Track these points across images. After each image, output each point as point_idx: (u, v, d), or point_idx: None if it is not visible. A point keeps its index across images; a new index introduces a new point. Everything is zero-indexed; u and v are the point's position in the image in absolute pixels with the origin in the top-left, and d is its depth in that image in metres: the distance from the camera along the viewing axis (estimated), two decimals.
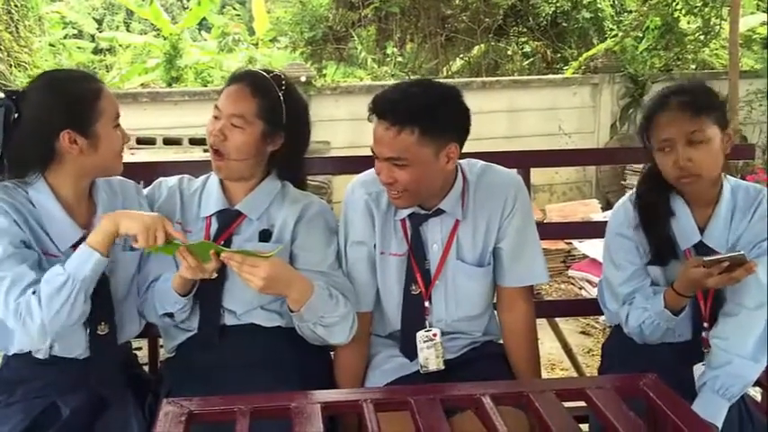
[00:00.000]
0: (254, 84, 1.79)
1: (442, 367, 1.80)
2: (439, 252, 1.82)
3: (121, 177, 1.84)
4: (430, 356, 1.80)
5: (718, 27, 8.04)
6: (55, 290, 1.53)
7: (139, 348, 2.15)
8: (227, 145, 1.76)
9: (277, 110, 1.79)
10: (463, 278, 1.83)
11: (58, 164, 1.66)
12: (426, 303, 1.82)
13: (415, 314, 1.82)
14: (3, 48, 7.84)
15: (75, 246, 1.65)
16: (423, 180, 1.69)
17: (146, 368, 2.06)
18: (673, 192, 1.82)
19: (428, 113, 1.64)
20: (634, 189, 1.91)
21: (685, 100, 1.74)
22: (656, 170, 1.80)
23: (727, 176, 1.84)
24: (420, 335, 1.80)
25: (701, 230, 1.81)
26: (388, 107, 1.65)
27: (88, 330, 1.68)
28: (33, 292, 1.54)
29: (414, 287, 1.82)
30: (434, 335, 1.80)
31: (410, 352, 1.82)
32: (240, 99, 1.76)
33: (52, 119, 1.62)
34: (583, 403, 1.40)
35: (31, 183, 1.66)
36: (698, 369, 1.79)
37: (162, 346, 2.08)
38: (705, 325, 1.81)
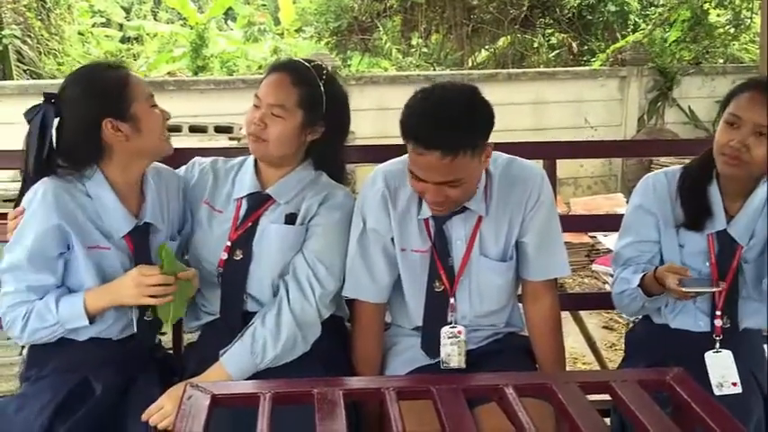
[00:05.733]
0: (295, 73, 1.79)
1: (463, 366, 1.79)
2: (462, 248, 1.80)
3: (168, 168, 1.88)
4: (452, 353, 1.79)
5: (748, 20, 7.91)
6: (42, 327, 1.65)
7: (164, 333, 2.17)
8: (267, 133, 1.77)
9: (317, 99, 1.79)
10: (487, 273, 1.81)
11: (109, 155, 1.70)
12: (452, 300, 1.80)
13: (437, 311, 1.81)
14: (33, 35, 7.95)
15: (126, 236, 1.72)
16: (471, 188, 1.69)
17: (170, 351, 2.08)
18: (713, 180, 1.83)
19: (474, 131, 1.61)
20: (665, 169, 1.94)
21: None
22: (711, 156, 1.80)
23: None
24: (445, 330, 1.79)
25: (728, 221, 1.82)
26: (439, 139, 1.56)
27: (137, 316, 1.73)
28: (24, 315, 1.64)
29: (437, 284, 1.80)
30: (459, 332, 1.79)
31: (431, 349, 1.81)
32: (281, 88, 1.77)
33: (90, 112, 1.65)
34: (605, 397, 1.38)
35: (88, 176, 1.70)
36: (709, 357, 1.80)
37: (186, 332, 2.10)
38: (718, 313, 1.83)
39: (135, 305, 1.69)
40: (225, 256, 1.80)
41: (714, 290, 1.75)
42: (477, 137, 1.61)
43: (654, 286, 1.77)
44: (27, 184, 1.70)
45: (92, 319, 1.66)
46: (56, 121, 1.67)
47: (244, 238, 1.80)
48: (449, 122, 1.57)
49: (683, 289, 1.67)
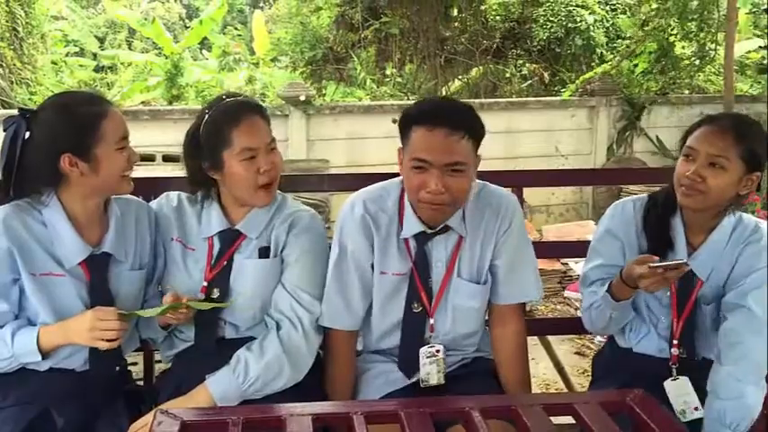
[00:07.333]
0: (261, 110, 1.85)
1: (443, 382, 1.82)
2: (442, 270, 1.83)
3: (139, 200, 1.88)
4: (431, 371, 1.82)
5: (713, 52, 8.14)
6: None
7: (135, 363, 2.16)
8: (277, 171, 1.83)
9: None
10: (463, 296, 1.85)
11: (66, 184, 1.70)
12: (431, 320, 1.84)
13: (415, 331, 1.84)
14: (5, 64, 7.91)
15: (81, 263, 1.71)
16: (468, 190, 1.74)
17: (140, 383, 2.06)
18: (676, 212, 1.87)
19: (475, 120, 1.71)
20: (634, 196, 1.97)
21: (729, 125, 1.77)
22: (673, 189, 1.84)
23: (736, 212, 1.86)
24: (423, 350, 1.82)
25: (690, 254, 1.84)
26: (449, 115, 1.69)
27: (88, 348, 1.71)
28: None
29: (416, 305, 1.83)
30: (437, 351, 1.82)
31: (408, 369, 1.84)
32: (263, 128, 1.82)
33: (54, 142, 1.66)
34: (571, 420, 1.41)
35: (45, 203, 1.70)
36: (668, 384, 1.83)
37: (159, 361, 2.09)
38: (675, 342, 1.86)
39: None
40: (202, 296, 1.81)
41: (679, 262, 1.70)
42: (477, 127, 1.70)
43: (621, 288, 1.78)
44: None
45: (45, 355, 1.66)
46: (27, 134, 1.67)
47: (219, 277, 1.82)
48: (454, 106, 1.74)
49: (651, 265, 1.67)
